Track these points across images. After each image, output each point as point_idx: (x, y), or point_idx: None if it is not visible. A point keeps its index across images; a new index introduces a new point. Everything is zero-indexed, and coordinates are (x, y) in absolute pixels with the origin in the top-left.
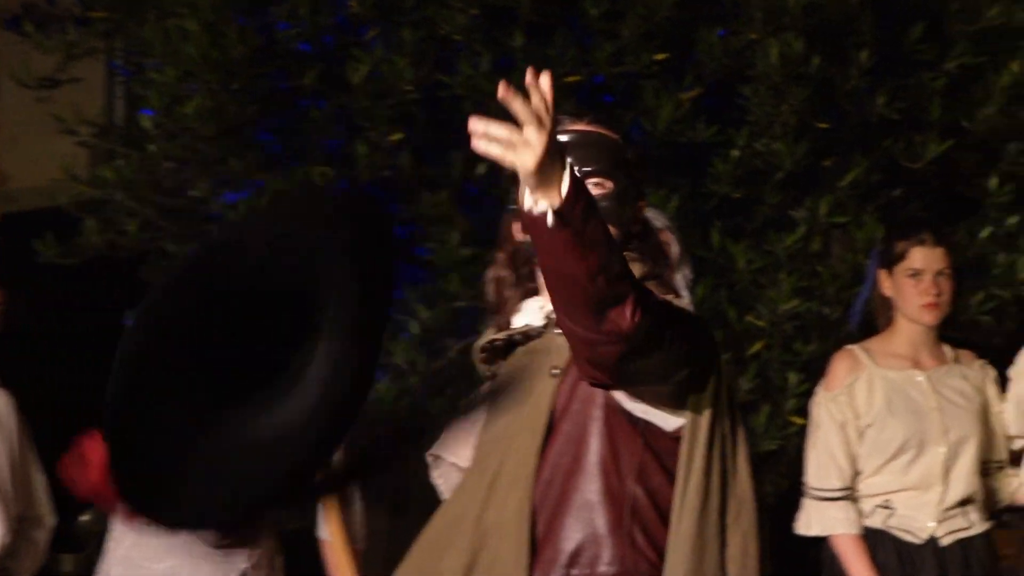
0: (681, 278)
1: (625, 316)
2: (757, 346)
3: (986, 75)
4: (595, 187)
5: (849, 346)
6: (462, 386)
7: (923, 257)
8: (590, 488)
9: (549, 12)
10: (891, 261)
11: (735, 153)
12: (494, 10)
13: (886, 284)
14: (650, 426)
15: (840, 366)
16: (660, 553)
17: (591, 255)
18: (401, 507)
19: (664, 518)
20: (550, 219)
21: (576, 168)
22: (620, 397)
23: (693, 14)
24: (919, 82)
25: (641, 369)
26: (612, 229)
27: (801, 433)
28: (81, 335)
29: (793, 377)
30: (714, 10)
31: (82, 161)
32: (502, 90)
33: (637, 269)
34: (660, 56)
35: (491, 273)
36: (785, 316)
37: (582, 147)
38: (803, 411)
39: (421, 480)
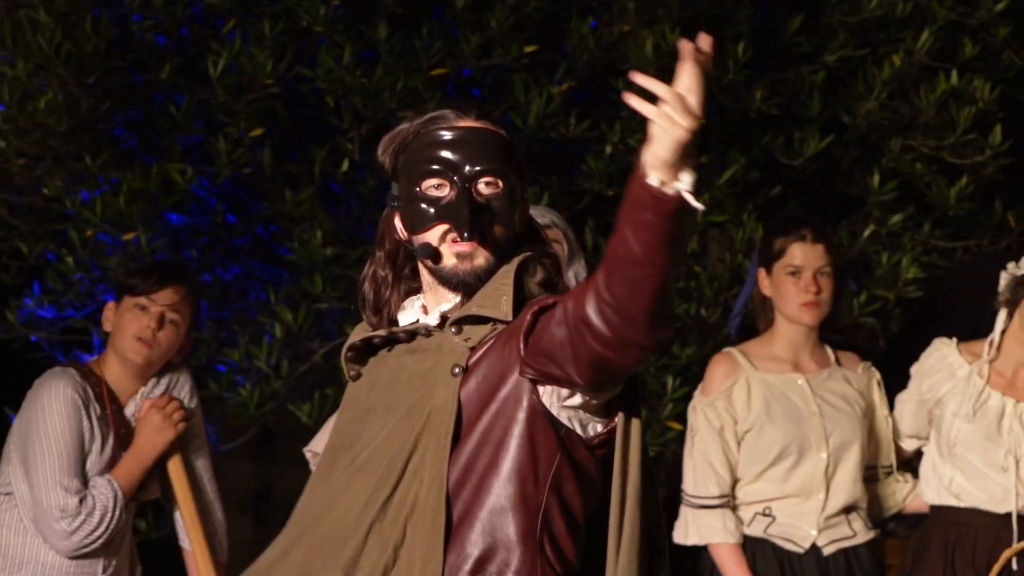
0: (573, 276)
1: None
2: None
3: (867, 68)
4: (488, 187)
5: (727, 349)
6: (328, 389)
7: (802, 254)
8: (503, 493)
9: (414, 3)
10: (770, 259)
11: (608, 149)
12: (357, 1)
13: (765, 284)
14: (571, 433)
15: (717, 370)
16: (566, 564)
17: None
18: (264, 517)
19: (573, 529)
20: (688, 199)
21: (466, 166)
22: (549, 402)
23: (564, 5)
24: (798, 76)
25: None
26: (502, 230)
27: (679, 439)
28: None
29: (671, 381)
30: (586, 0)
31: None
32: (687, 48)
33: (539, 273)
34: (530, 48)
35: (369, 271)
36: None
37: (472, 144)
38: (681, 416)
39: (284, 488)
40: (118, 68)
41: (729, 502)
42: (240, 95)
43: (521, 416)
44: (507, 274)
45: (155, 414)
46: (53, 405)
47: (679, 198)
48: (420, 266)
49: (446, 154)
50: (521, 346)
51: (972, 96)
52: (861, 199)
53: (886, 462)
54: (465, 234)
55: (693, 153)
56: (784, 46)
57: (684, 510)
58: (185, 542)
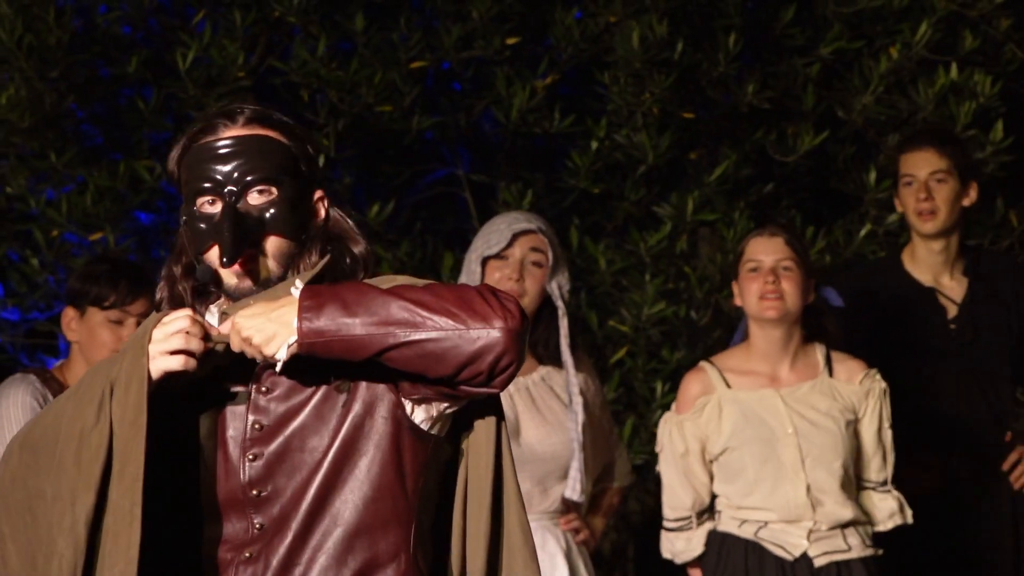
0: (557, 287)
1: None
2: (620, 353)
3: (863, 61)
4: (260, 195)
5: (703, 363)
6: None
7: (760, 248)
8: (376, 508)
9: None
10: (736, 263)
11: (594, 145)
12: None
13: (737, 295)
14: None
15: (691, 388)
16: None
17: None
18: None
19: (439, 542)
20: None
21: (237, 176)
22: (416, 412)
23: None
24: (791, 69)
25: None
26: (281, 238)
27: None
28: None
29: (660, 386)
30: None
31: None
32: None
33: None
34: (512, 40)
35: (165, 287)
36: (650, 321)
37: (239, 155)
38: None
39: None
40: (83, 61)
41: (691, 524)
42: (210, 89)
43: (390, 429)
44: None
45: None
46: (11, 413)
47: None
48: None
49: (214, 168)
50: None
51: (972, 90)
52: (857, 197)
53: (870, 476)
54: (225, 259)
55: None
56: (777, 38)
57: (662, 528)
58: None
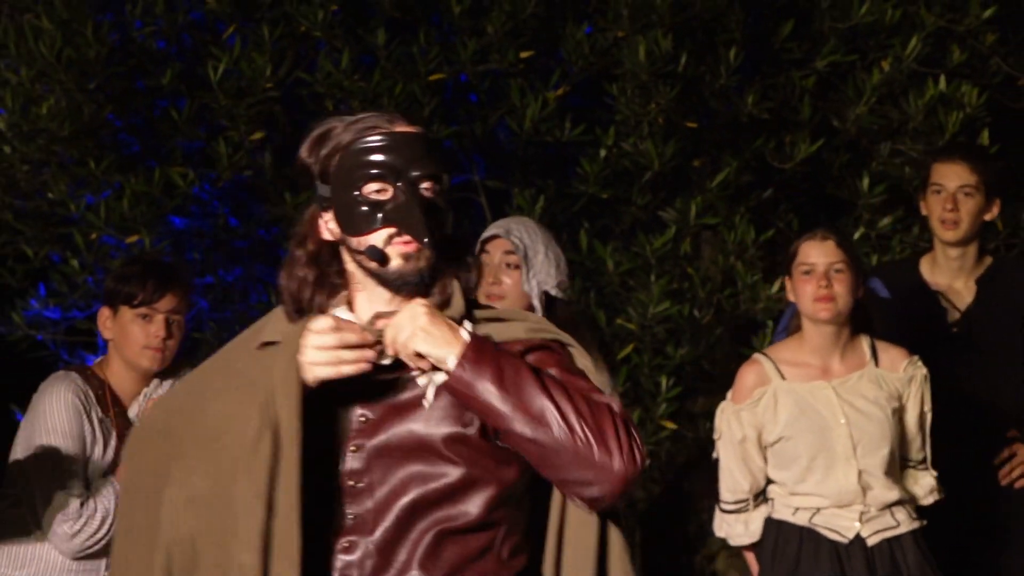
0: (535, 285)
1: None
2: (627, 350)
3: (857, 74)
4: (428, 190)
5: (757, 356)
6: None
7: (813, 251)
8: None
9: (411, 8)
10: (788, 264)
11: (602, 153)
12: (355, 6)
13: (789, 290)
14: None
15: (747, 379)
16: None
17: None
18: None
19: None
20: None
21: (410, 170)
22: None
23: (559, 11)
24: (789, 81)
25: None
26: (440, 232)
27: (673, 438)
28: None
29: (664, 381)
30: (580, 7)
31: None
32: None
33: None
34: (525, 54)
35: (289, 271)
36: (655, 319)
37: (412, 148)
38: (675, 415)
39: None
40: (120, 74)
41: (745, 507)
42: (240, 99)
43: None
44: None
45: None
46: (54, 409)
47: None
48: (350, 265)
49: (387, 158)
50: None
51: (960, 101)
52: (851, 202)
53: (912, 455)
54: (424, 239)
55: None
56: (775, 51)
57: (716, 509)
58: None
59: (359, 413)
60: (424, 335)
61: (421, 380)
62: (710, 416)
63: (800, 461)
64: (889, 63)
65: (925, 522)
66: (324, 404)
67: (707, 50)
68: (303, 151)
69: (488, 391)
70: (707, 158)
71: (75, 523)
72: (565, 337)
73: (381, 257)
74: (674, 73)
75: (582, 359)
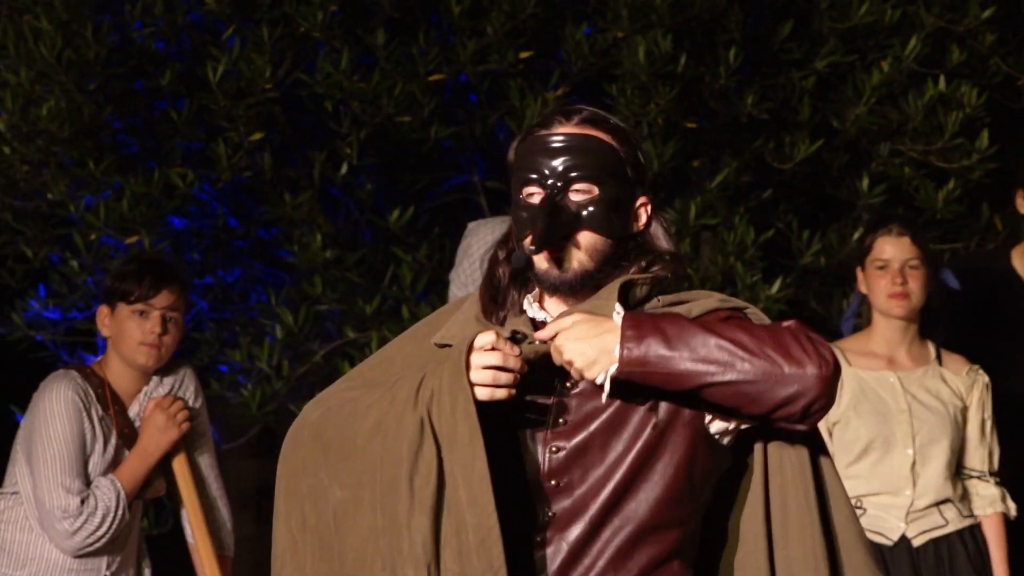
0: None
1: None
2: None
3: (856, 74)
4: (580, 194)
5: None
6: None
7: (889, 247)
8: (666, 509)
9: (411, 9)
10: (862, 257)
11: None
12: (354, 6)
13: (861, 282)
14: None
15: None
16: None
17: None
18: (265, 514)
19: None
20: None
21: (559, 174)
22: (715, 423)
23: (558, 11)
24: (788, 81)
25: None
26: (595, 235)
27: None
28: None
29: None
30: (580, 7)
31: None
32: None
33: (636, 296)
34: (525, 54)
35: (491, 269)
36: None
37: (567, 151)
38: None
39: None
40: (119, 74)
41: None
42: (240, 100)
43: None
44: (611, 294)
45: (159, 414)
46: (54, 407)
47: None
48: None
49: (541, 162)
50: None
51: (959, 101)
52: (851, 202)
53: (974, 465)
54: (533, 247)
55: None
56: (775, 52)
57: None
58: (190, 537)
59: (557, 415)
60: (579, 346)
61: (599, 378)
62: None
63: (858, 443)
64: (888, 63)
65: (977, 520)
66: (517, 406)
67: (706, 51)
68: (509, 153)
69: (661, 357)
70: (706, 158)
71: (75, 521)
72: (748, 307)
73: (526, 262)
74: (673, 74)
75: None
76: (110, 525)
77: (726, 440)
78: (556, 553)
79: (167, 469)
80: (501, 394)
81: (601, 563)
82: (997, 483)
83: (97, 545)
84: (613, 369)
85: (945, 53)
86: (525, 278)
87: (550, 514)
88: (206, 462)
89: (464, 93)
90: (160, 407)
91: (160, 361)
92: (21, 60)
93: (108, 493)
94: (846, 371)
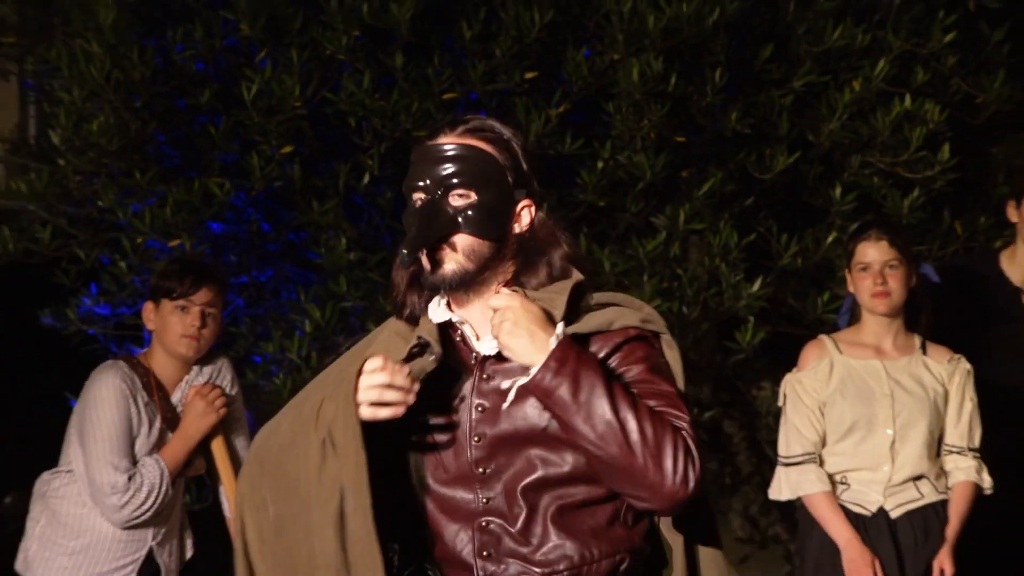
0: None
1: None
2: None
3: (829, 93)
4: (460, 198)
5: (822, 335)
6: None
7: (869, 250)
8: (595, 484)
9: (427, 33)
10: (848, 261)
11: (599, 165)
12: (375, 31)
13: (849, 283)
14: None
15: (810, 352)
16: None
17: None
18: None
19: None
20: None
21: (440, 178)
22: None
23: (560, 36)
24: (768, 99)
25: None
26: (473, 238)
27: None
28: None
29: None
30: (580, 32)
31: None
32: None
33: (531, 278)
34: (530, 75)
35: (392, 275)
36: None
37: (447, 161)
38: None
39: None
40: (162, 93)
41: (814, 459)
42: (271, 116)
43: None
44: (564, 291)
45: (199, 401)
46: (103, 394)
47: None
48: None
49: (426, 170)
50: None
51: (923, 118)
52: (825, 209)
53: (954, 442)
54: (406, 249)
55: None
56: (756, 73)
57: (778, 470)
58: (228, 512)
59: (476, 403)
60: (519, 334)
61: (505, 383)
62: (697, 402)
63: (842, 424)
64: (859, 83)
65: (950, 496)
66: (441, 397)
67: (694, 72)
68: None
69: (562, 400)
70: (694, 169)
71: (123, 496)
72: (662, 328)
73: (406, 265)
74: (664, 92)
75: (670, 351)
76: (155, 500)
77: None
78: (503, 534)
79: (206, 450)
80: (384, 413)
81: (551, 539)
82: (976, 458)
83: (143, 518)
84: (523, 382)
85: (910, 74)
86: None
87: (483, 499)
88: (241, 444)
89: (475, 110)
90: (200, 394)
91: (200, 352)
92: (74, 80)
93: (153, 471)
94: (837, 359)
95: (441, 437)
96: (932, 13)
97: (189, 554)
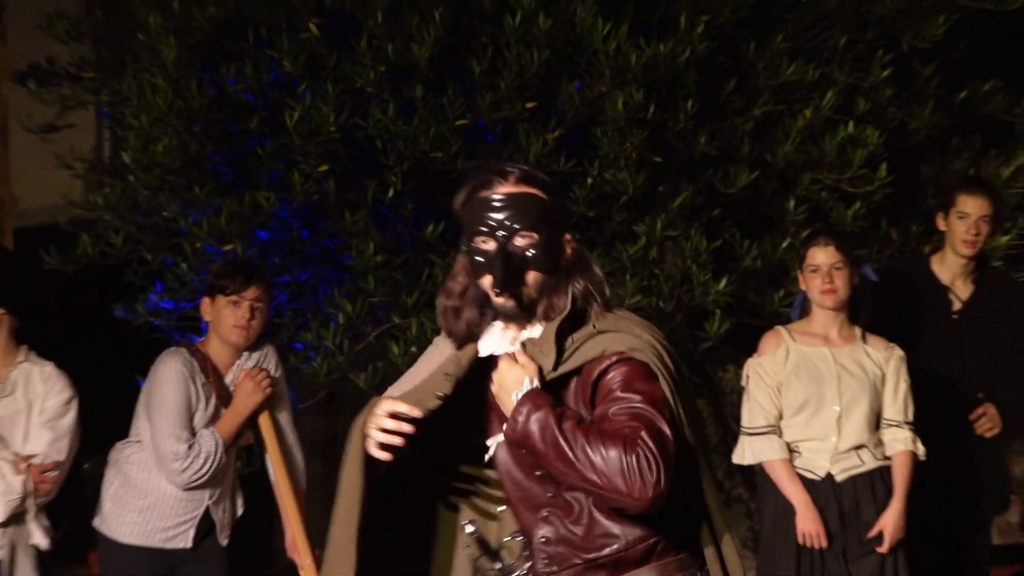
0: None
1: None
2: None
3: (784, 120)
4: (523, 239)
5: (778, 327)
6: (378, 363)
7: (819, 254)
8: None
9: (442, 69)
10: (800, 263)
11: (589, 181)
12: (398, 68)
13: (801, 282)
14: None
15: (769, 340)
16: None
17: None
18: (331, 458)
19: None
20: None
21: (508, 224)
22: None
23: (556, 71)
24: (732, 125)
25: None
26: (538, 273)
27: None
28: (78, 326)
29: None
30: (572, 68)
31: (77, 189)
32: None
33: (570, 324)
34: (530, 104)
35: (442, 300)
36: (630, 309)
37: (509, 208)
38: None
39: (346, 436)
40: (217, 120)
41: (775, 431)
42: (310, 139)
43: None
44: (549, 335)
45: (248, 381)
46: (167, 376)
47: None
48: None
49: (490, 216)
50: (588, 406)
51: (864, 141)
52: (780, 219)
53: (891, 416)
54: (497, 289)
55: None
56: (721, 103)
57: (741, 438)
58: (273, 476)
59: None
60: (503, 398)
61: (489, 441)
62: None
63: (797, 401)
64: (810, 112)
65: (889, 463)
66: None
67: (669, 102)
68: (455, 202)
69: (532, 445)
70: (669, 185)
71: (184, 462)
72: (644, 357)
73: (484, 298)
74: (644, 120)
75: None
76: (211, 466)
77: None
78: (561, 525)
79: (254, 424)
80: (378, 454)
81: (596, 529)
82: (911, 430)
83: (201, 481)
84: (498, 440)
85: (853, 104)
86: (482, 308)
87: (549, 494)
88: (284, 418)
89: (483, 135)
90: (249, 376)
91: (249, 340)
92: (142, 109)
93: (209, 441)
94: (792, 346)
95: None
96: (872, 52)
97: (240, 511)
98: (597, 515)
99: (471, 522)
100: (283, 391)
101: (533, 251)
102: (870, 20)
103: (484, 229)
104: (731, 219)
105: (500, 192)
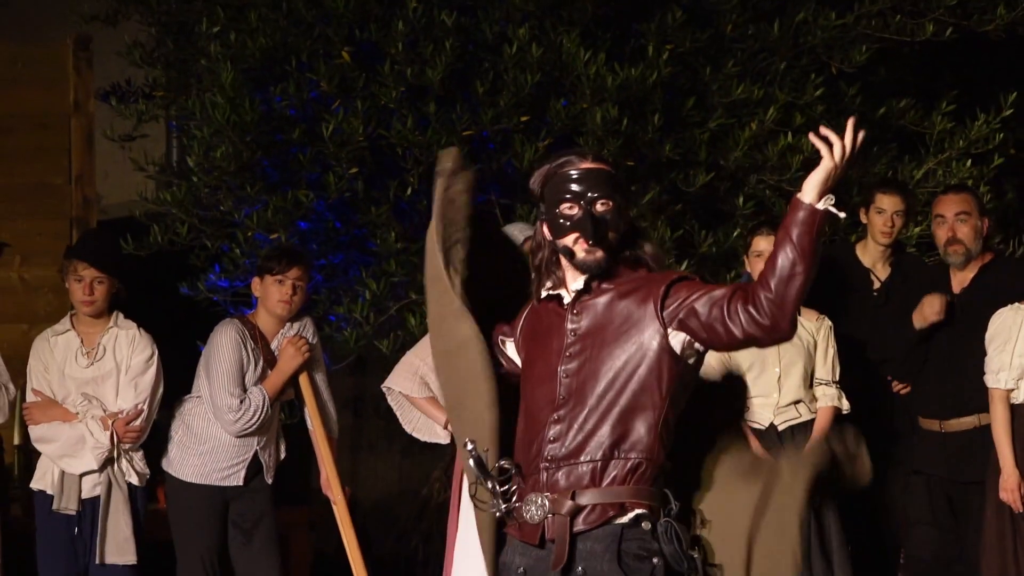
0: None
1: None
2: None
3: (735, 131)
4: (602, 206)
5: None
6: (399, 331)
7: (762, 242)
8: (642, 397)
9: (452, 89)
10: (747, 250)
11: None
12: (416, 88)
13: (747, 265)
14: (681, 360)
15: None
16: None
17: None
18: (359, 412)
19: (674, 425)
20: (833, 211)
21: (588, 194)
22: (674, 341)
23: (546, 91)
24: (692, 135)
25: None
26: (613, 233)
27: None
28: (150, 301)
29: None
30: (559, 88)
31: (150, 188)
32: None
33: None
34: (525, 118)
35: (533, 258)
36: None
37: (590, 179)
38: None
39: (372, 393)
40: (266, 131)
41: None
42: (343, 148)
43: (654, 348)
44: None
45: (290, 347)
46: (223, 342)
47: (826, 211)
48: (560, 256)
49: (575, 186)
50: (659, 305)
51: (801, 149)
52: (731, 214)
53: (822, 376)
54: (590, 241)
55: (833, 185)
56: (683, 117)
57: None
58: (310, 426)
59: (570, 329)
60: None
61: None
62: None
63: (744, 363)
64: (755, 124)
65: (815, 416)
66: (545, 325)
67: (640, 116)
68: (531, 181)
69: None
70: (639, 185)
71: (236, 413)
72: (685, 274)
73: (570, 253)
74: (619, 131)
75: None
76: (259, 417)
77: (687, 356)
78: (569, 428)
79: (295, 382)
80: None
81: (598, 433)
82: (837, 388)
83: (251, 430)
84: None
85: (792, 118)
86: (556, 261)
87: (561, 397)
88: (320, 378)
89: (485, 143)
90: (291, 342)
91: (291, 313)
92: (204, 122)
93: (258, 397)
94: None
95: (542, 350)
96: (806, 75)
97: (283, 455)
98: (602, 425)
99: (471, 440)
100: (319, 355)
101: (610, 216)
102: (805, 49)
103: (569, 196)
104: (691, 213)
105: (580, 168)
